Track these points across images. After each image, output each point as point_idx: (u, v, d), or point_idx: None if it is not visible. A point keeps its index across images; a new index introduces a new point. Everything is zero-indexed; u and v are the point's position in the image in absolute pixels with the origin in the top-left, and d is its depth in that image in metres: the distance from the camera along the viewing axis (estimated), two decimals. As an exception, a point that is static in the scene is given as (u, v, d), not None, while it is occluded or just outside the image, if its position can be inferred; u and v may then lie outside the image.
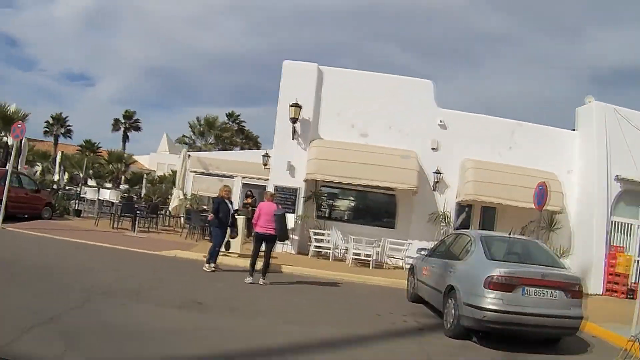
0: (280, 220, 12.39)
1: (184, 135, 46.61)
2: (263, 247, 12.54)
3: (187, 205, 22.03)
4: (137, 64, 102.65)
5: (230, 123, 52.74)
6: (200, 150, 40.93)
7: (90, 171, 38.09)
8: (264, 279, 12.31)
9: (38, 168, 37.95)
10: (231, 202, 14.05)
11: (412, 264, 13.20)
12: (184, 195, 22.15)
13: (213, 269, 13.26)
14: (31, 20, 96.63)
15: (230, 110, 52.78)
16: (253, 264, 12.51)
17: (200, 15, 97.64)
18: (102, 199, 24.15)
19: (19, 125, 16.87)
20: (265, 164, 22.40)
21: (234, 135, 51.18)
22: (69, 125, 50.49)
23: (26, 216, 18.85)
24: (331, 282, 13.94)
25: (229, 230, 13.74)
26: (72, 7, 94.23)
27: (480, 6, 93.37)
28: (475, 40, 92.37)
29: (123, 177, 39.75)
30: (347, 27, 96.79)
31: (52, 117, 49.09)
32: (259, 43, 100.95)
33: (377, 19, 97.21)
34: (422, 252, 12.61)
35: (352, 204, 20.97)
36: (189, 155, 25.13)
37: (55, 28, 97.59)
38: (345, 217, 20.60)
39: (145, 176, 38.59)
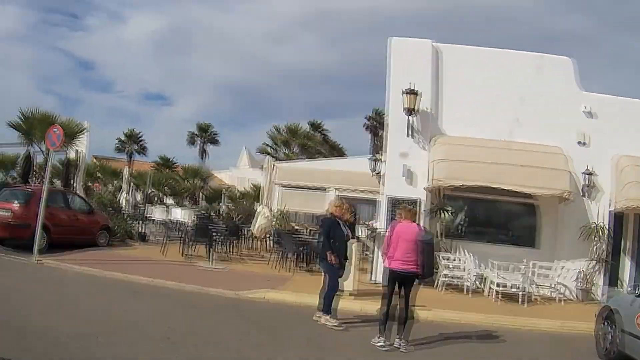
0: (429, 250, 8.53)
1: (265, 144, 43.18)
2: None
3: (275, 225, 18.02)
4: (214, 82, 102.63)
5: (314, 132, 49.02)
6: (283, 160, 37.24)
7: (166, 188, 35.27)
8: (404, 341, 8.14)
9: (111, 187, 35.67)
10: (346, 225, 9.81)
11: (610, 307, 8.94)
12: (271, 212, 18.15)
13: (335, 323, 9.06)
14: (103, 42, 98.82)
15: (312, 120, 49.13)
16: (386, 316, 8.34)
17: (274, 30, 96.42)
18: (172, 219, 20.56)
19: (55, 130, 13.35)
20: (374, 170, 18.08)
21: (318, 144, 47.36)
22: (142, 142, 48.42)
23: (84, 243, 15.60)
24: (486, 333, 9.95)
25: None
26: (143, 29, 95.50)
27: (553, 6, 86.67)
28: (549, 41, 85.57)
29: (201, 193, 36.63)
30: (419, 34, 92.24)
31: (124, 133, 47.09)
32: (334, 56, 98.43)
33: (450, 23, 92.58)
34: (631, 289, 9.10)
35: (481, 218, 16.85)
36: (274, 166, 21.30)
37: (129, 50, 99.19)
38: (473, 235, 16.22)
39: (224, 192, 35.40)
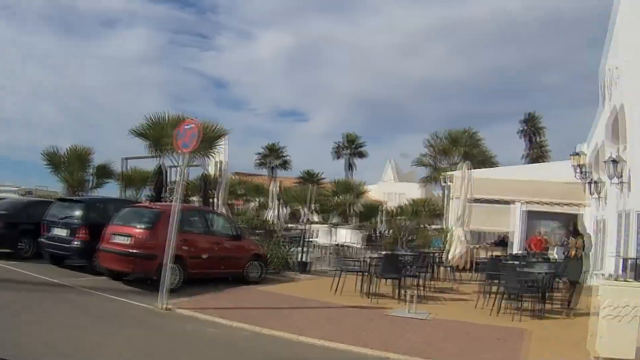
0: None
1: (422, 155, 38.91)
2: None
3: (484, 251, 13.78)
4: (348, 96, 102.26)
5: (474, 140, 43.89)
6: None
7: (314, 204, 32.11)
8: None
9: (253, 204, 33.22)
10: None
11: None
12: (468, 234, 13.92)
13: None
14: (234, 61, 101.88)
15: (465, 128, 44.47)
16: None
17: (403, 43, 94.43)
18: (339, 243, 16.74)
19: (188, 126, 9.67)
20: (616, 176, 13.19)
21: (481, 153, 42.22)
22: (284, 156, 46.08)
23: (230, 278, 12.36)
24: None
25: None
26: (273, 46, 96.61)
27: None
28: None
29: (353, 210, 33.11)
30: (554, 39, 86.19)
31: (264, 147, 45.01)
32: (464, 65, 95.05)
33: (582, 28, 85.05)
34: None
35: None
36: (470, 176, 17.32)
37: (260, 68, 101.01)
38: None
39: (381, 208, 31.55)
